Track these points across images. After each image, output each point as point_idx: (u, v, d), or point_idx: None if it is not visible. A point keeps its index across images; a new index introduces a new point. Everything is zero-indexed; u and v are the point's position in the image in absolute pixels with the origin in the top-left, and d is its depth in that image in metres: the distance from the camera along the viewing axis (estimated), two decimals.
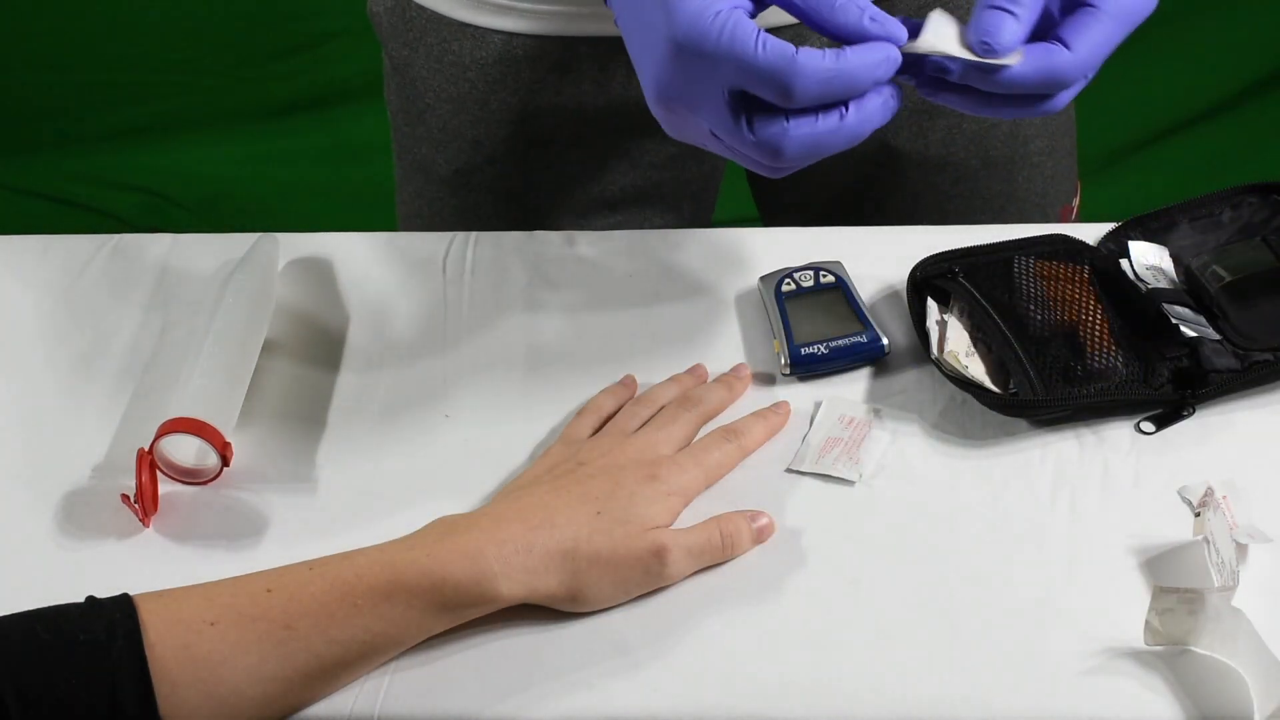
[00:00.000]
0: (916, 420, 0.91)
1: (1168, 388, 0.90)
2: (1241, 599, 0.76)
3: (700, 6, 0.75)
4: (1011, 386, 0.90)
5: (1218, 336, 0.92)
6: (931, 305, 0.95)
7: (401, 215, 1.23)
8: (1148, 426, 0.89)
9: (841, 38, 0.76)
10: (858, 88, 0.75)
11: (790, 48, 0.74)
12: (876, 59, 0.75)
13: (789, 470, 0.88)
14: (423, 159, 1.16)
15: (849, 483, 0.87)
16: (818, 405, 0.92)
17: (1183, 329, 0.91)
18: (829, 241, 1.03)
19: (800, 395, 0.93)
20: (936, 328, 0.94)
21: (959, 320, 0.95)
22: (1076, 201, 1.24)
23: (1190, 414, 0.90)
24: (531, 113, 1.10)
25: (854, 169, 1.14)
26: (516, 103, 1.10)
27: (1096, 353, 0.91)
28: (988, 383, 0.91)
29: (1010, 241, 0.99)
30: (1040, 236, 1.00)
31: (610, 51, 1.07)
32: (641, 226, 1.14)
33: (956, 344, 0.93)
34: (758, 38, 0.74)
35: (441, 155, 1.14)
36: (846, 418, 0.91)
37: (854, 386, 0.93)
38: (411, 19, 1.10)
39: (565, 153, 1.12)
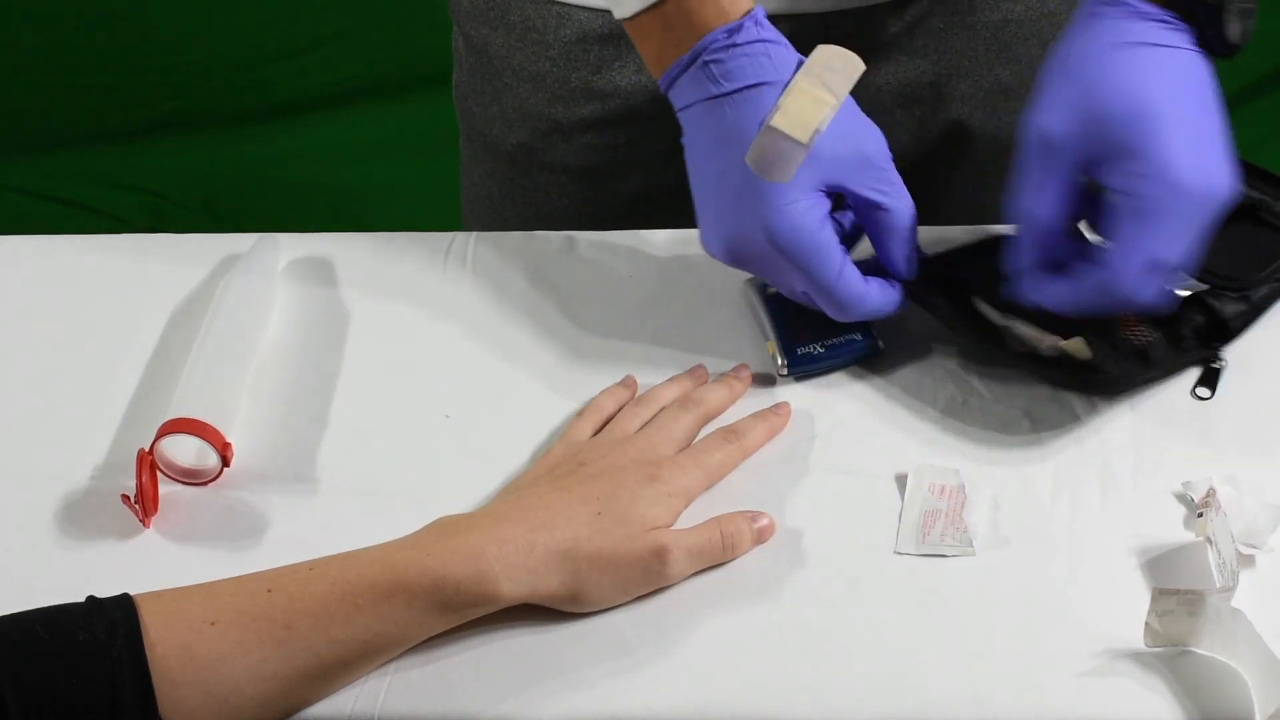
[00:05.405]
0: (916, 420, 0.91)
1: (1194, 346, 0.92)
2: (1241, 599, 0.76)
3: (801, 214, 0.85)
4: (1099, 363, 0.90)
5: (1205, 287, 0.92)
6: (985, 308, 0.93)
7: (469, 200, 1.23)
8: (1203, 392, 0.91)
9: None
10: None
11: (862, 285, 0.87)
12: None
13: (897, 553, 0.84)
14: (494, 139, 1.17)
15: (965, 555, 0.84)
16: (902, 479, 0.88)
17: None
18: None
19: (801, 396, 0.93)
20: (1009, 325, 0.92)
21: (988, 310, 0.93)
22: None
23: (1221, 365, 0.91)
24: (611, 91, 1.10)
25: (923, 145, 1.14)
26: (599, 81, 1.10)
27: (1130, 332, 0.91)
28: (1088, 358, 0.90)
29: (990, 238, 0.98)
30: None
31: None
32: None
33: (1042, 337, 0.91)
34: (840, 268, 0.87)
35: (515, 134, 1.15)
36: (937, 486, 0.87)
37: (854, 387, 0.93)
38: None
39: (642, 131, 1.12)
